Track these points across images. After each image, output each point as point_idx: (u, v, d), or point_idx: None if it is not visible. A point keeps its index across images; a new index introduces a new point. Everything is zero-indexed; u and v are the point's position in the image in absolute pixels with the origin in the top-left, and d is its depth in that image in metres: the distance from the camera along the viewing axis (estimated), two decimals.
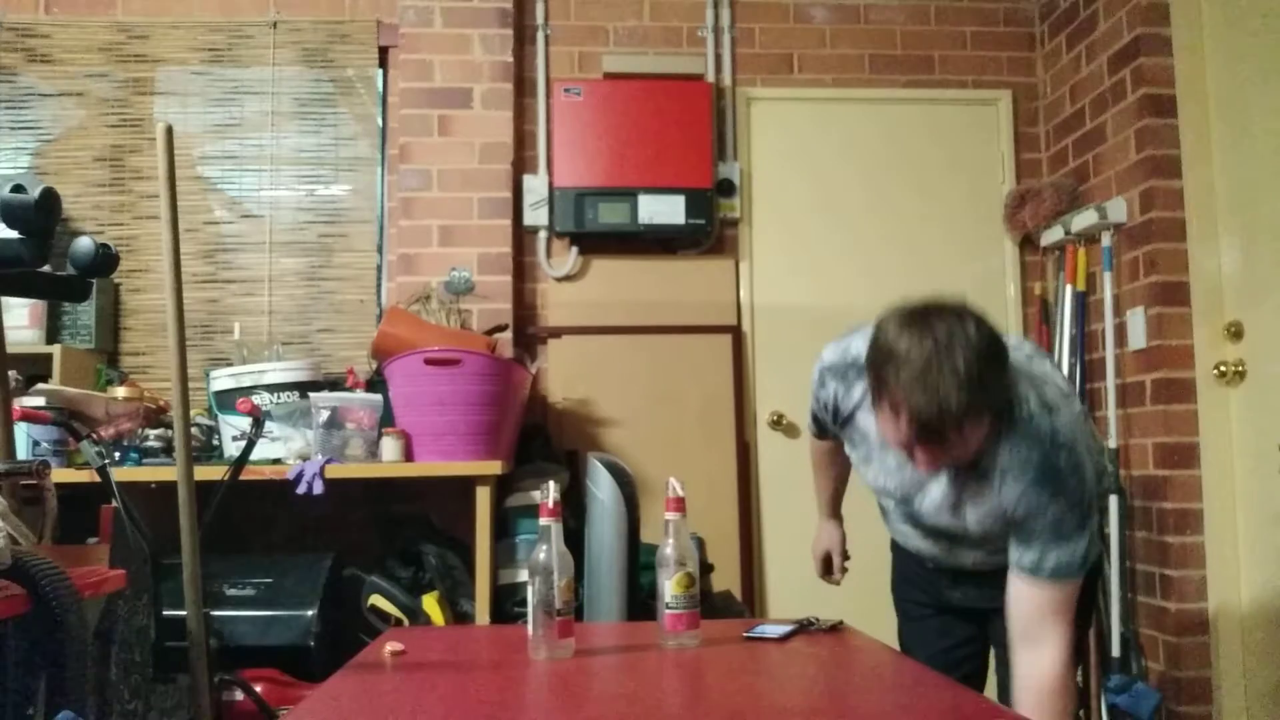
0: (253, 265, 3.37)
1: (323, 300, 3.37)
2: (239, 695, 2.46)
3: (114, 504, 2.19)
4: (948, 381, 1.30)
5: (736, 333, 3.43)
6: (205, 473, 2.45)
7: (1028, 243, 3.55)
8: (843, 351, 1.65)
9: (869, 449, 1.65)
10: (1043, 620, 1.47)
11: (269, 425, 2.72)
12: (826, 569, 2.21)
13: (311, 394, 2.82)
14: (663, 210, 3.29)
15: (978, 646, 1.84)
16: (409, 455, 2.71)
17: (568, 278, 3.40)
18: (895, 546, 2.02)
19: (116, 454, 2.70)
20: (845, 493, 2.17)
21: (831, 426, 1.74)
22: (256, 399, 2.75)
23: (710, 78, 3.51)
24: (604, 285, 3.41)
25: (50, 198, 1.45)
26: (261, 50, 3.43)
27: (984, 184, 3.59)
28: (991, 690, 1.81)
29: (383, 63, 3.49)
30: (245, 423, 2.52)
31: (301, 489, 2.61)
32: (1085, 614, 1.74)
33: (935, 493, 1.58)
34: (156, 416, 2.80)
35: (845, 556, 2.21)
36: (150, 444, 2.77)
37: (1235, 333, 2.79)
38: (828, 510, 2.17)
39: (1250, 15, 2.76)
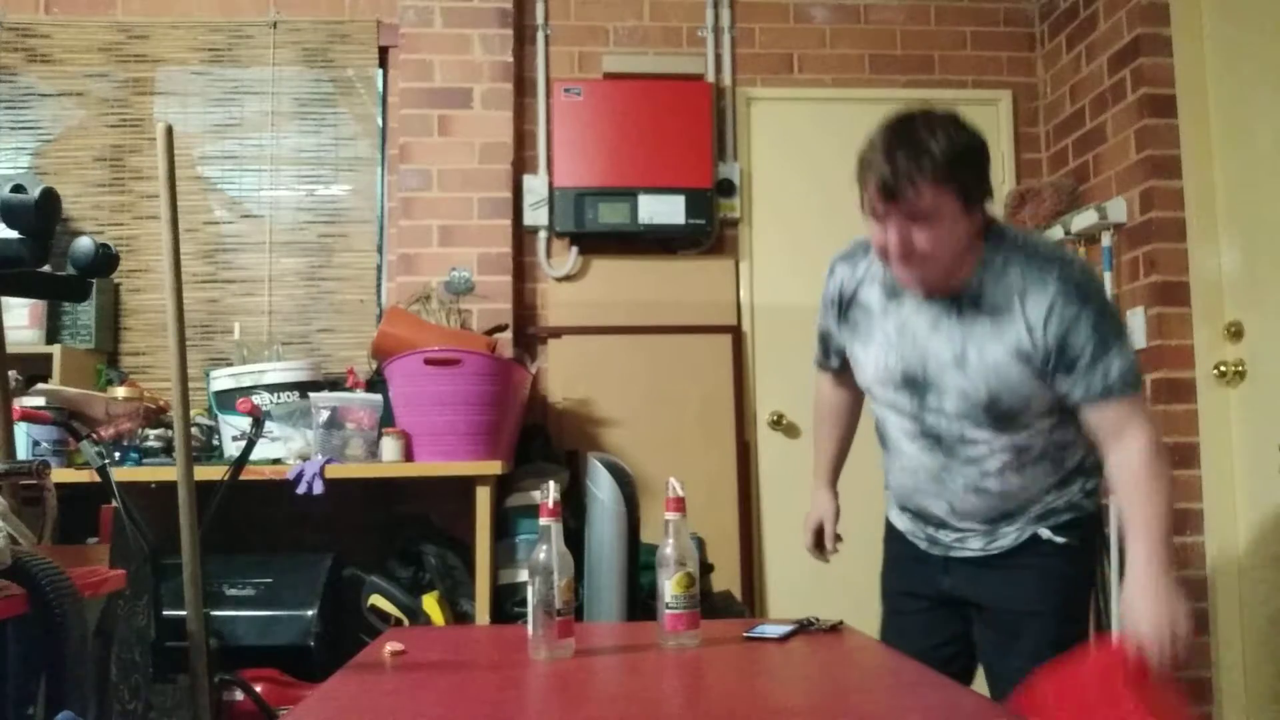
0: (253, 265, 3.37)
1: (323, 300, 3.37)
2: (239, 695, 2.46)
3: (114, 504, 2.19)
4: (914, 144, 1.43)
5: (736, 333, 3.43)
6: (205, 473, 2.45)
7: None
8: (854, 241, 1.75)
9: (870, 324, 1.67)
10: (1125, 425, 1.50)
11: (269, 425, 2.72)
12: (818, 543, 2.11)
13: (311, 394, 2.82)
14: (663, 210, 3.29)
15: (964, 646, 1.78)
16: (409, 455, 2.71)
17: (568, 278, 3.40)
18: (889, 533, 1.97)
19: (116, 454, 2.70)
20: (844, 464, 2.13)
21: (838, 335, 1.77)
22: (256, 399, 2.75)
23: (710, 78, 3.51)
24: (604, 285, 3.41)
25: (50, 198, 1.45)
26: (261, 50, 3.43)
27: None
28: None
29: (383, 63, 3.49)
30: (245, 423, 2.52)
31: (301, 489, 2.61)
32: (1084, 606, 1.73)
33: (939, 347, 1.57)
34: (156, 416, 2.80)
35: (837, 539, 2.12)
36: (150, 444, 2.77)
37: (1235, 333, 2.79)
38: (826, 476, 2.10)
39: (1250, 15, 2.76)
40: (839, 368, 1.88)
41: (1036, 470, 1.63)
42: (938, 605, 1.79)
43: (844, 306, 1.73)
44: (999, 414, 1.55)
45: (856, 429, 2.02)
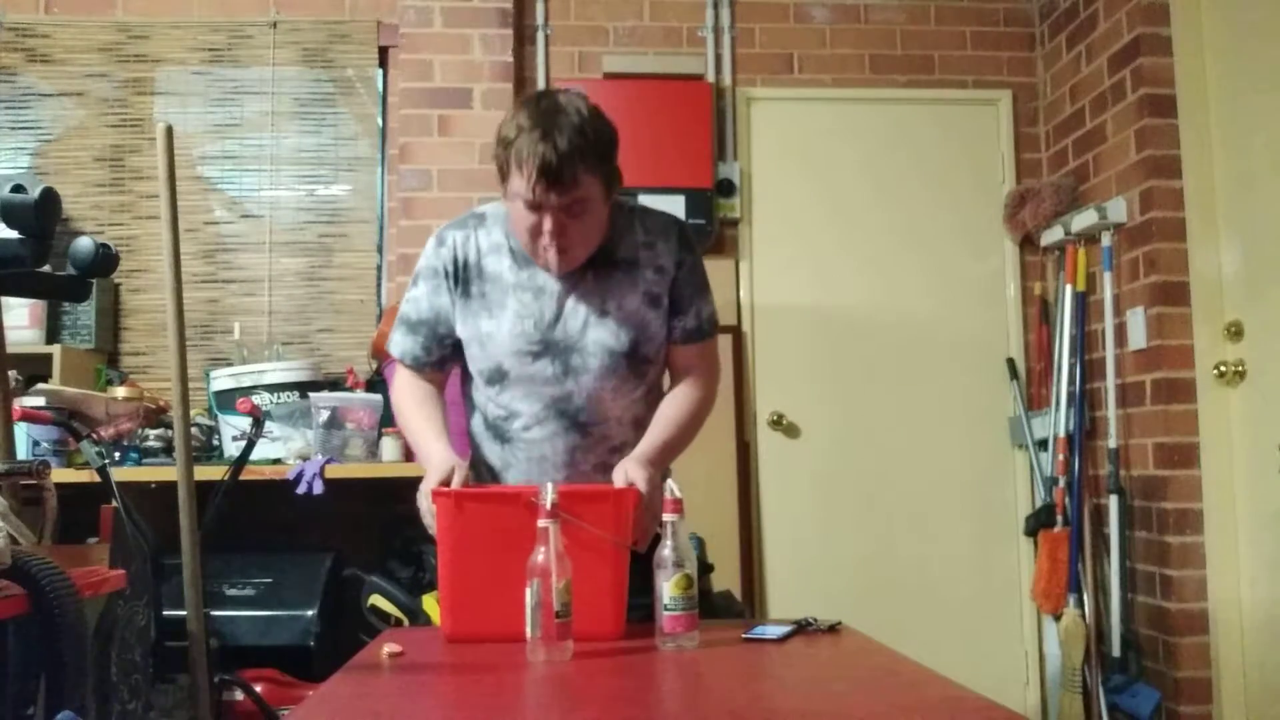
0: (253, 265, 3.37)
1: (323, 300, 3.37)
2: (239, 695, 2.46)
3: (114, 504, 2.19)
4: (563, 126, 1.46)
5: (736, 333, 3.42)
6: (205, 473, 2.45)
7: (1028, 243, 3.55)
8: (459, 216, 1.72)
9: (503, 293, 1.63)
10: (695, 365, 1.71)
11: (269, 425, 2.72)
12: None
13: (311, 394, 2.82)
14: (666, 209, 3.28)
15: None
16: (409, 455, 2.72)
17: None
18: None
19: (116, 454, 2.70)
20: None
21: (450, 312, 1.65)
22: (256, 399, 2.75)
23: (710, 78, 3.51)
24: None
25: (50, 198, 1.45)
26: (261, 50, 3.43)
27: (984, 184, 3.59)
28: None
29: (383, 63, 3.49)
30: (245, 423, 2.52)
31: (301, 489, 2.62)
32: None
33: (579, 306, 1.62)
34: (156, 416, 2.80)
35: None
36: (150, 444, 2.77)
37: (1235, 333, 2.79)
38: (446, 440, 1.66)
39: (1250, 15, 2.76)
40: (437, 362, 1.71)
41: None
42: None
43: (462, 279, 1.65)
44: (639, 360, 1.65)
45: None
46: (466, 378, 1.74)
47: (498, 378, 1.65)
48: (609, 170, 1.55)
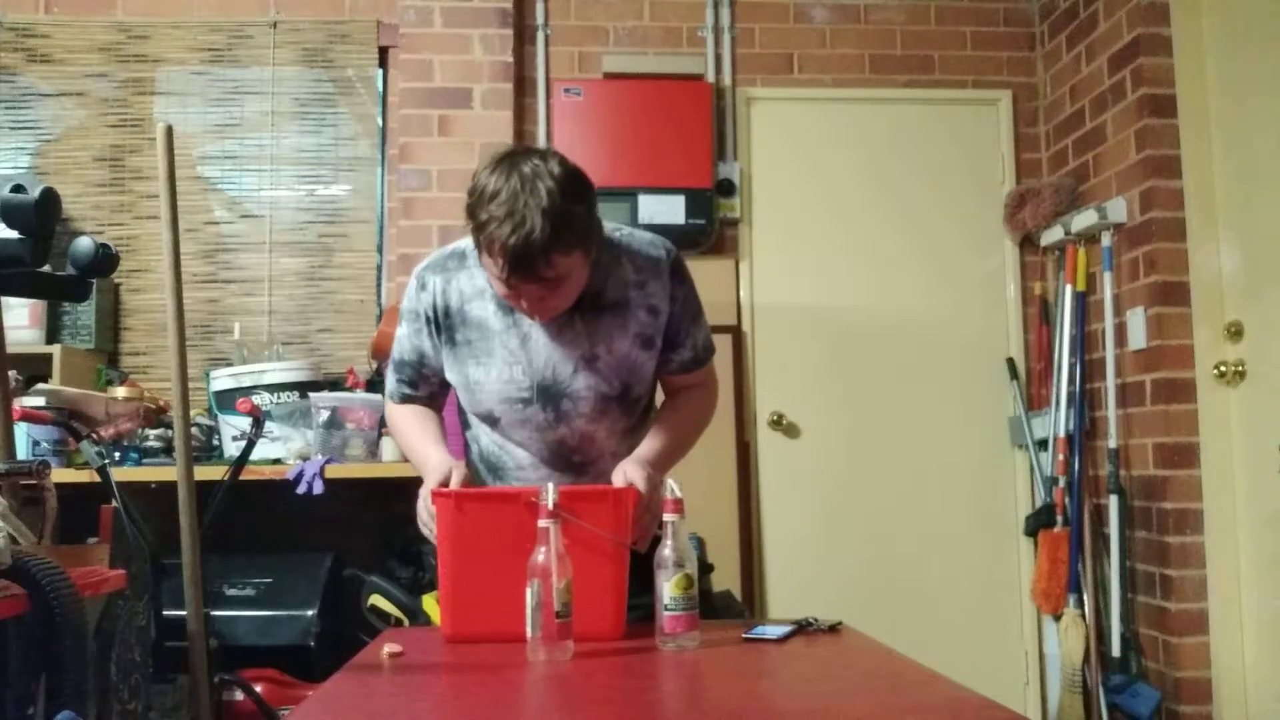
0: (253, 265, 3.37)
1: (323, 300, 3.37)
2: (239, 695, 2.46)
3: (114, 504, 2.19)
4: (533, 212, 1.37)
5: (736, 333, 3.42)
6: (205, 473, 2.45)
7: (1028, 243, 3.55)
8: (439, 253, 1.67)
9: (489, 340, 1.60)
10: (697, 385, 1.72)
11: (269, 425, 2.72)
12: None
13: (311, 394, 2.82)
14: (663, 210, 3.29)
15: None
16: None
17: None
18: None
19: (116, 454, 2.70)
20: None
21: (434, 357, 1.65)
22: (256, 399, 2.75)
23: (710, 78, 3.51)
24: None
25: (50, 198, 1.45)
26: (261, 50, 3.43)
27: (984, 184, 3.59)
28: None
29: (383, 63, 3.49)
30: (245, 423, 2.52)
31: (301, 489, 2.62)
32: None
33: (568, 352, 1.58)
34: (156, 416, 2.80)
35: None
36: (150, 444, 2.77)
37: (1235, 333, 2.79)
38: (443, 446, 1.72)
39: (1250, 15, 2.76)
40: (426, 398, 1.72)
41: None
42: None
43: (445, 326, 1.62)
44: (630, 401, 1.63)
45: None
46: (463, 410, 1.74)
47: (490, 422, 1.65)
48: (587, 240, 1.48)
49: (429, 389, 1.71)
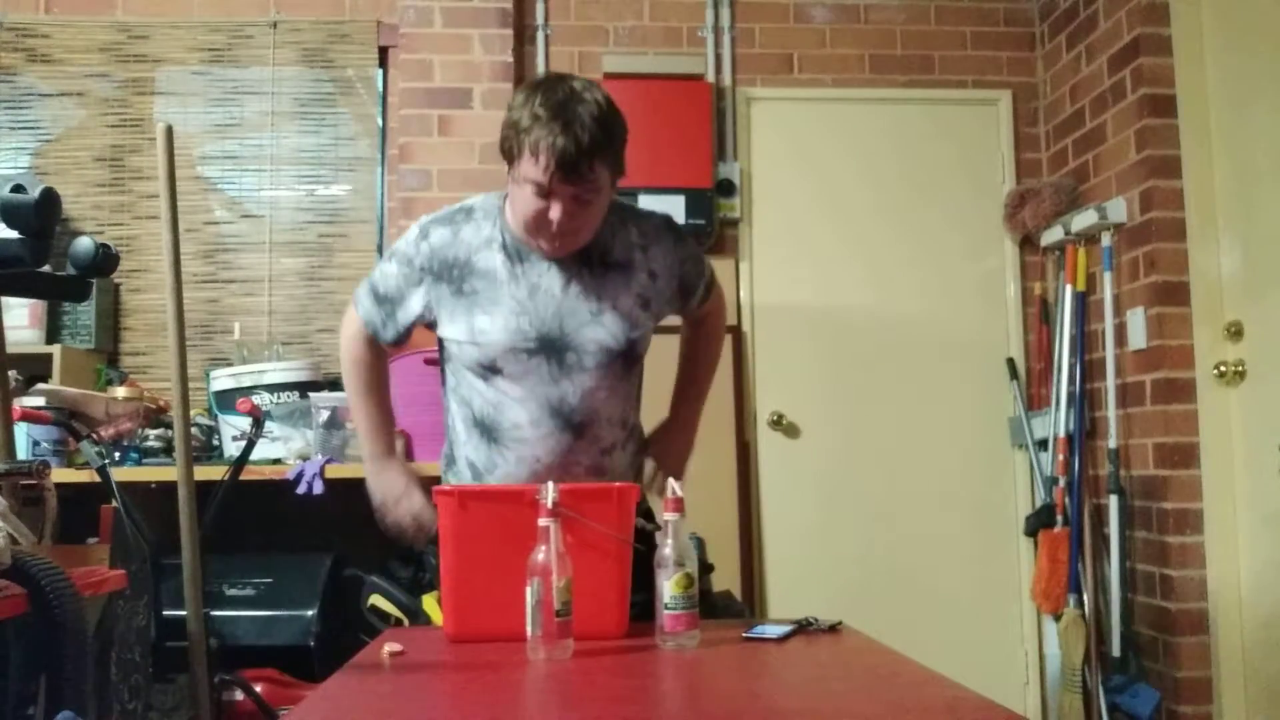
0: (253, 265, 3.37)
1: (323, 300, 3.37)
2: (239, 695, 2.46)
3: (114, 504, 2.19)
4: (582, 116, 1.47)
5: (736, 333, 3.42)
6: (205, 473, 2.45)
7: (1028, 243, 3.55)
8: (445, 209, 1.70)
9: (496, 289, 1.61)
10: (713, 308, 1.86)
11: (269, 425, 2.72)
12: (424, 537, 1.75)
13: (311, 394, 2.82)
14: (662, 210, 3.28)
15: None
16: (409, 455, 2.72)
17: None
18: None
19: (116, 454, 2.70)
20: None
21: (419, 306, 1.65)
22: (256, 399, 2.75)
23: (710, 78, 3.51)
24: None
25: (50, 198, 1.45)
26: (261, 50, 3.43)
27: (984, 184, 3.59)
28: None
29: (383, 63, 3.49)
30: (245, 423, 2.52)
31: (301, 489, 2.62)
32: None
33: (576, 305, 1.62)
34: (156, 416, 2.80)
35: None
36: (150, 444, 2.77)
37: (1235, 333, 2.79)
38: (390, 446, 1.79)
39: (1250, 15, 2.76)
40: (392, 340, 1.72)
41: (628, 450, 1.74)
42: None
43: (451, 278, 1.63)
44: (632, 359, 1.68)
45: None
46: (446, 372, 1.73)
47: (492, 374, 1.63)
48: (618, 161, 1.56)
49: (396, 333, 1.72)
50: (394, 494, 1.73)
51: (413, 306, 1.67)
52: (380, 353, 1.77)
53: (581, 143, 1.45)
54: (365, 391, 1.76)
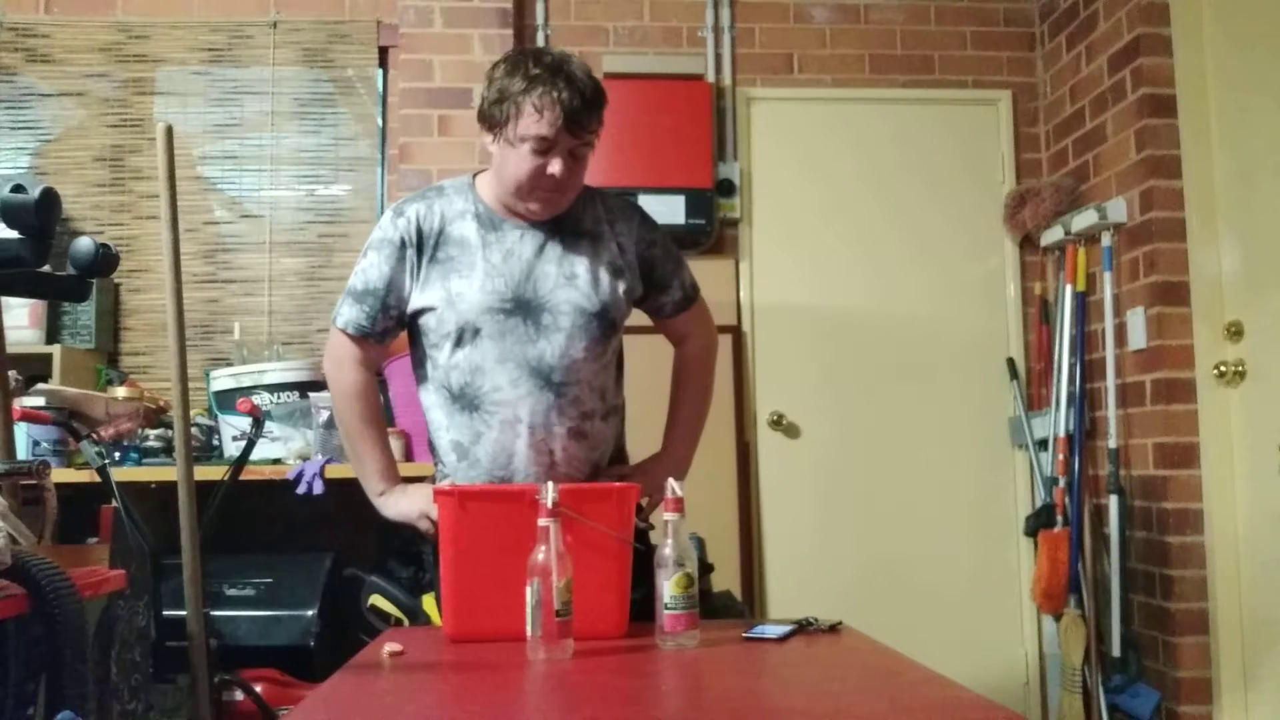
0: (253, 265, 3.37)
1: (323, 300, 3.37)
2: (239, 695, 2.46)
3: (114, 504, 2.19)
4: (578, 74, 1.60)
5: (736, 333, 3.42)
6: (205, 473, 2.45)
7: (1028, 243, 3.55)
8: (415, 192, 1.77)
9: (471, 254, 1.67)
10: (692, 326, 1.88)
11: (269, 425, 2.72)
12: None
13: (311, 394, 2.82)
14: (663, 210, 3.28)
15: None
16: (409, 455, 2.71)
17: None
18: None
19: (116, 454, 2.70)
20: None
21: (407, 282, 1.68)
22: (256, 399, 2.75)
23: (710, 78, 3.51)
24: None
25: (50, 198, 1.45)
26: (261, 50, 3.43)
27: (984, 184, 3.59)
28: None
29: (383, 63, 3.49)
30: (245, 423, 2.52)
31: (301, 489, 2.62)
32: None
33: (549, 269, 1.68)
34: (156, 416, 2.80)
35: None
36: (150, 444, 2.77)
37: (1235, 333, 2.79)
38: (397, 477, 1.78)
39: (1250, 15, 2.76)
40: (380, 333, 1.73)
41: (609, 424, 1.75)
42: None
43: (428, 246, 1.69)
44: (607, 324, 1.70)
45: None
46: (420, 359, 1.74)
47: (469, 337, 1.65)
48: (600, 128, 1.65)
49: (385, 324, 1.73)
50: (415, 512, 1.71)
51: (399, 283, 1.71)
52: (372, 376, 1.78)
53: (585, 94, 1.57)
54: (366, 422, 1.74)
